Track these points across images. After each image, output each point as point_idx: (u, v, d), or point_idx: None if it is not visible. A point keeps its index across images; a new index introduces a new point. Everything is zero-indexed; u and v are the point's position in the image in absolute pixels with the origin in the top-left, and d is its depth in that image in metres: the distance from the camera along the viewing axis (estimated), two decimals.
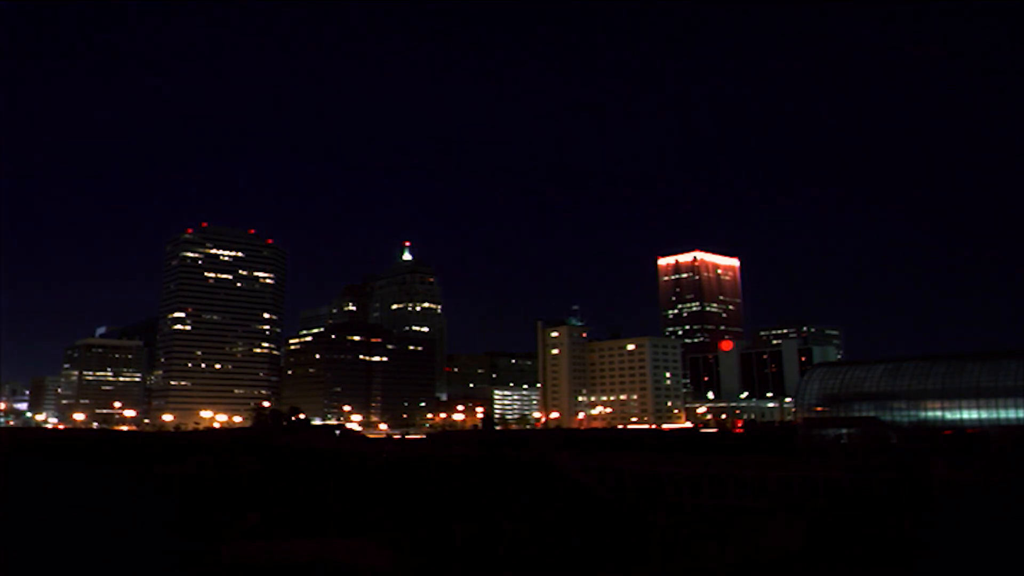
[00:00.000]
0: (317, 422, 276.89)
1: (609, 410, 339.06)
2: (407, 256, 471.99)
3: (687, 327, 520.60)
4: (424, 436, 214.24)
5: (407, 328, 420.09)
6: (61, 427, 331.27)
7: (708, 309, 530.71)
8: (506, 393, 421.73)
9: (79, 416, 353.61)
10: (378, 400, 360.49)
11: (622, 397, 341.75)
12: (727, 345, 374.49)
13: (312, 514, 64.15)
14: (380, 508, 68.47)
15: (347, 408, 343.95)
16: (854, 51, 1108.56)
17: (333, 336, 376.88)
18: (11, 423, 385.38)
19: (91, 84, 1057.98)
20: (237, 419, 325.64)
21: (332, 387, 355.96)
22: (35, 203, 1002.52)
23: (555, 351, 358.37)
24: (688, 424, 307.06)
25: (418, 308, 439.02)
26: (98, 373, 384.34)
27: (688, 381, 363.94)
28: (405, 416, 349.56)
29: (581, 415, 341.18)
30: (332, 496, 72.72)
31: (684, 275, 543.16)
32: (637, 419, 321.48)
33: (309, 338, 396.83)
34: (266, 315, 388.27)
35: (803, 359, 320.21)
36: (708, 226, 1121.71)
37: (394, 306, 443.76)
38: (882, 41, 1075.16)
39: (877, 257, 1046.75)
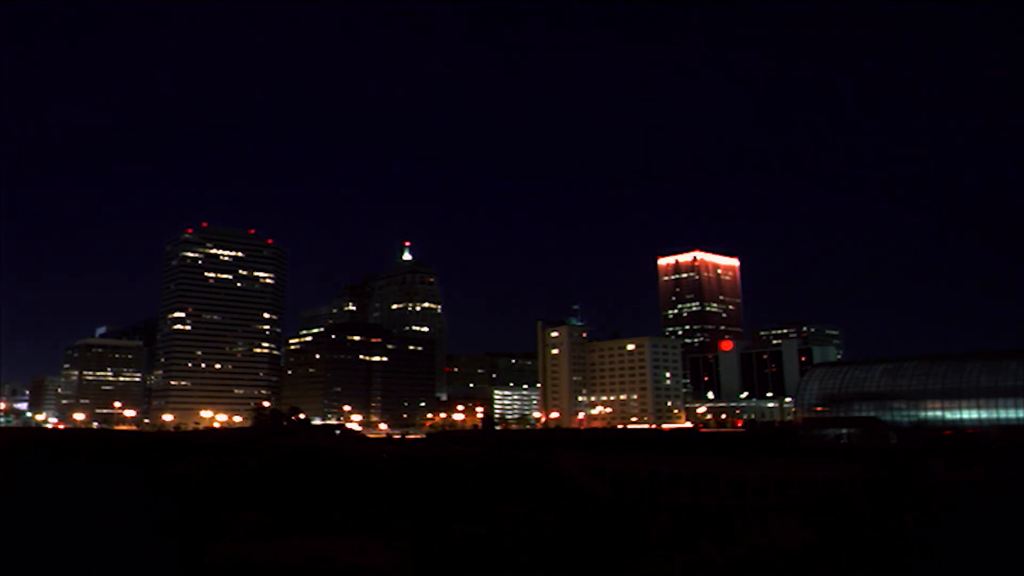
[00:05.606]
0: (317, 422, 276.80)
1: (609, 410, 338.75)
2: (407, 256, 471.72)
3: (687, 327, 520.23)
4: (424, 436, 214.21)
5: (407, 328, 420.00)
6: (61, 427, 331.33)
7: (708, 309, 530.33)
8: (506, 393, 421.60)
9: (79, 416, 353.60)
10: (378, 400, 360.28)
11: (622, 397, 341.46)
12: (727, 345, 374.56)
13: (312, 514, 64.15)
14: (380, 508, 68.50)
15: (347, 408, 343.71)
16: (854, 52, 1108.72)
17: (333, 336, 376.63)
18: (12, 423, 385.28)
19: (91, 83, 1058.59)
20: (237, 419, 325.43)
21: (332, 387, 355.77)
22: (35, 203, 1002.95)
23: (555, 351, 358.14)
24: (688, 424, 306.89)
25: (418, 308, 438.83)
26: (98, 373, 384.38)
27: (688, 381, 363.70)
28: (405, 416, 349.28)
29: (581, 415, 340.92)
30: (332, 496, 72.72)
31: (684, 275, 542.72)
32: (637, 419, 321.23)
33: (309, 338, 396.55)
34: (266, 315, 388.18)
35: (803, 359, 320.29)
36: (708, 226, 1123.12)
37: (394, 306, 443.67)
38: (882, 42, 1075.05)
39: (877, 257, 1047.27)
